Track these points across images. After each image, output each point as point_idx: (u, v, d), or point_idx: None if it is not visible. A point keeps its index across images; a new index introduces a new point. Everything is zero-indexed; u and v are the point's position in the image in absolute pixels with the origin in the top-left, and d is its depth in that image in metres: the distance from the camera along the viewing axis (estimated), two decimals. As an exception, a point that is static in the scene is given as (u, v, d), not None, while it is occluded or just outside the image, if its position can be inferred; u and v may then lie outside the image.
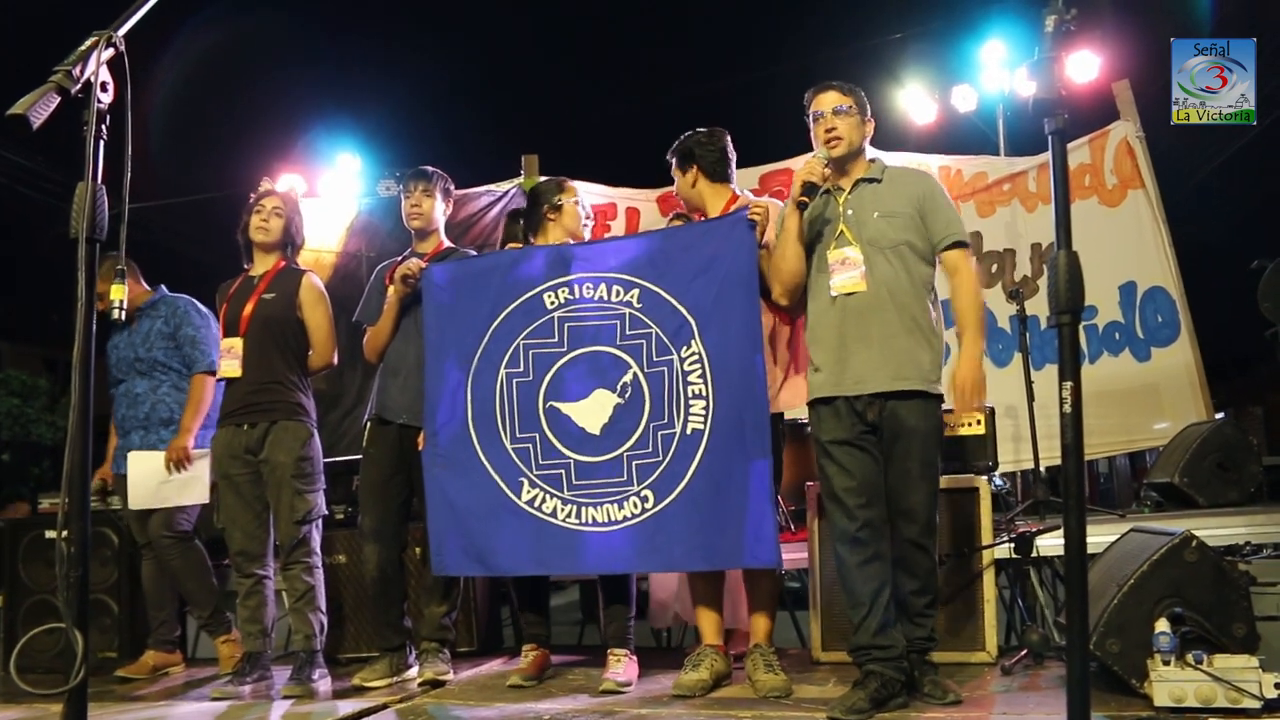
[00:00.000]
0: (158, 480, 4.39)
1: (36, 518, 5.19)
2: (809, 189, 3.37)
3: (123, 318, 2.27)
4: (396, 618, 4.14)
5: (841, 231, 3.43)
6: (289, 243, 4.39)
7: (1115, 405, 6.12)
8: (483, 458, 3.81)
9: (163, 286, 4.84)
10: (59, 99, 1.99)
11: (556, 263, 3.84)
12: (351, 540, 4.77)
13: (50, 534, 4.93)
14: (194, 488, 4.41)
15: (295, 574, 4.11)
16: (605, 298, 3.76)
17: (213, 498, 4.49)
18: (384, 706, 3.66)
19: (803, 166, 3.42)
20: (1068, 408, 2.00)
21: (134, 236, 2.32)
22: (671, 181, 4.04)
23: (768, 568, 3.60)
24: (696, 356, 3.61)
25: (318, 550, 4.20)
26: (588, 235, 4.22)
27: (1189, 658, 2.96)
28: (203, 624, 4.62)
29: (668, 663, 4.07)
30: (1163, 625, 3.02)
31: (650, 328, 3.69)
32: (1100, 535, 4.00)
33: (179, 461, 4.36)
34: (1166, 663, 2.98)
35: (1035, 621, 4.15)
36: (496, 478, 3.78)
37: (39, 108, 1.95)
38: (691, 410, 3.61)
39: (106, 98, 2.08)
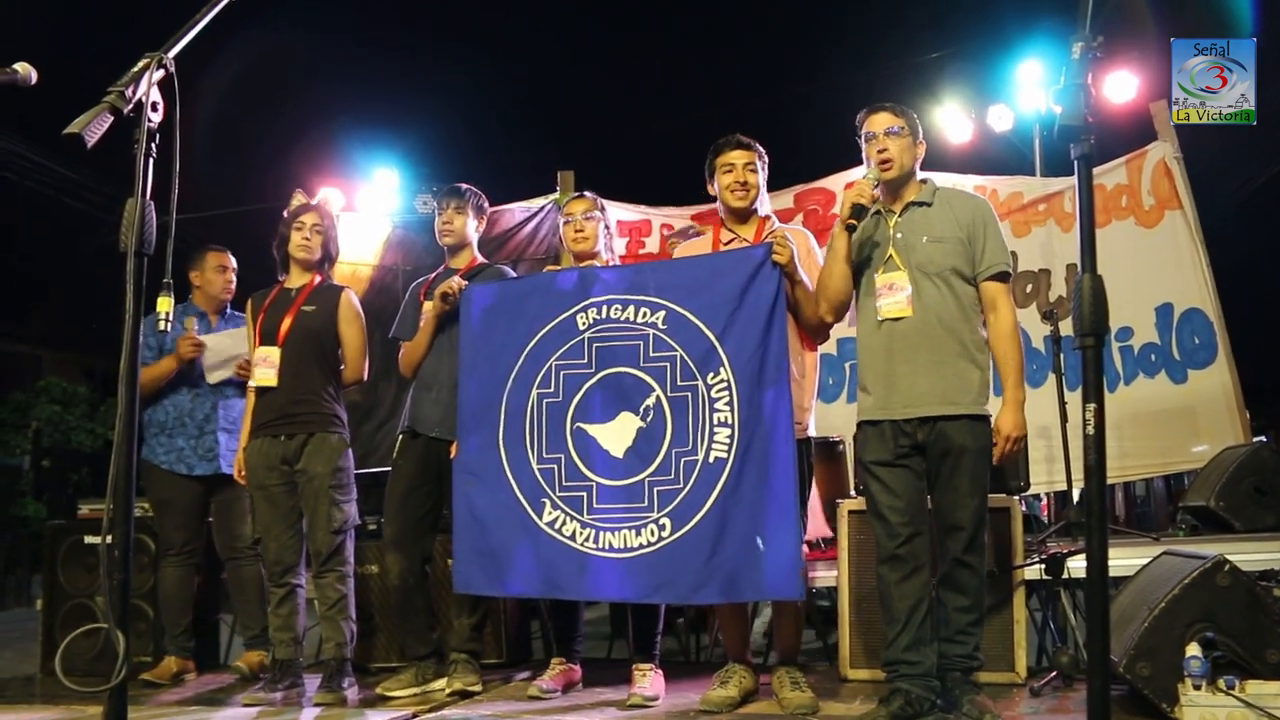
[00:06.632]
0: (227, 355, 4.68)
1: (76, 523, 5.27)
2: (858, 211, 3.36)
3: (169, 329, 2.34)
4: (421, 627, 4.17)
5: (890, 256, 3.42)
6: (327, 258, 4.47)
7: (1151, 427, 6.07)
8: (510, 477, 3.81)
9: None
10: (112, 119, 2.06)
11: (589, 284, 3.85)
12: (382, 550, 4.81)
13: (89, 539, 5.01)
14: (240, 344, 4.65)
15: (328, 583, 4.16)
16: (631, 319, 3.75)
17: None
18: (413, 716, 3.70)
19: (853, 188, 3.40)
20: (1090, 430, 2.02)
21: (175, 248, 2.38)
22: (706, 200, 4.04)
23: (790, 600, 3.59)
24: (725, 384, 3.58)
25: (351, 560, 4.25)
26: (614, 248, 4.27)
27: (1220, 683, 2.95)
28: (252, 635, 4.70)
29: (695, 677, 4.09)
30: (1194, 649, 3.01)
31: (675, 350, 3.67)
32: (1134, 558, 3.98)
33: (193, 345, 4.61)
34: (1198, 687, 2.97)
35: (1065, 643, 4.13)
36: (521, 497, 3.78)
37: (93, 127, 2.02)
38: (716, 438, 3.57)
39: (157, 117, 2.15)
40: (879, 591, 3.45)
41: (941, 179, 6.37)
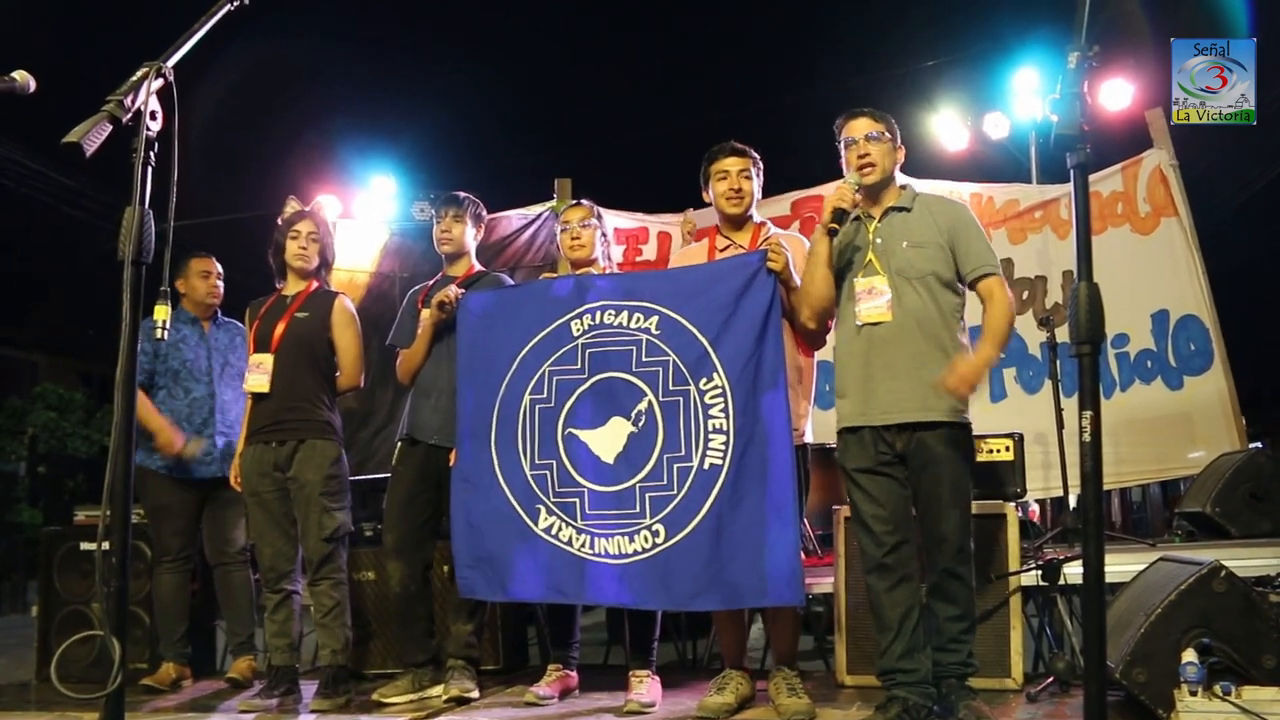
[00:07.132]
0: None
1: (72, 529, 5.26)
2: (839, 215, 3.36)
3: (164, 337, 2.34)
4: (420, 634, 4.17)
5: (870, 260, 3.42)
6: (324, 265, 4.46)
7: (1148, 433, 6.07)
8: (502, 483, 3.82)
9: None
10: (110, 127, 2.06)
11: (585, 291, 3.85)
12: (379, 557, 4.81)
13: (85, 546, 5.00)
14: None
15: (323, 590, 4.15)
16: (624, 324, 3.74)
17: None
18: (409, 723, 3.70)
19: (833, 192, 3.40)
20: (1087, 436, 2.03)
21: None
22: (703, 206, 4.05)
23: (791, 606, 3.57)
24: (719, 390, 3.56)
25: (344, 566, 4.24)
26: (611, 255, 4.28)
27: (1217, 689, 2.95)
28: (239, 642, 4.69)
29: (692, 683, 4.09)
30: (1190, 655, 3.01)
31: (668, 355, 3.66)
32: (1130, 564, 3.99)
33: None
34: (1194, 693, 2.97)
35: (1062, 649, 4.13)
36: (515, 503, 3.78)
37: (92, 136, 2.03)
38: (711, 445, 3.55)
39: (155, 126, 2.16)
40: (869, 600, 3.45)
41: (936, 186, 6.42)
